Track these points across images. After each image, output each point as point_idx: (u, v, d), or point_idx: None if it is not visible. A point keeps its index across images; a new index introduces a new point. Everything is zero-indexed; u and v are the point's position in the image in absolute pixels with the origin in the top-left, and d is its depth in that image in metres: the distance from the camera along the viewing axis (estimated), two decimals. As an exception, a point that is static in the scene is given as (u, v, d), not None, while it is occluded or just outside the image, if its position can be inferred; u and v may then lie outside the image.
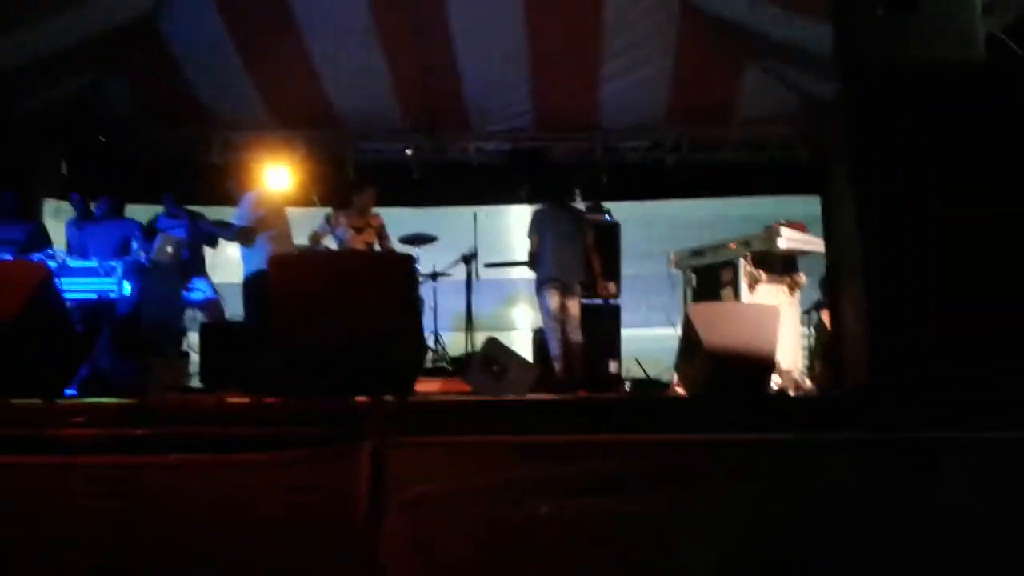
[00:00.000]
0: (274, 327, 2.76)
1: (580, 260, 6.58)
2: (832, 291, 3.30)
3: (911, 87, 2.73)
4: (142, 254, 6.15)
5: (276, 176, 7.84)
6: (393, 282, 2.90)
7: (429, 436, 2.49)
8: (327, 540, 2.38)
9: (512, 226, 8.83)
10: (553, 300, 6.41)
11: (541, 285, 6.50)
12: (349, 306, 2.82)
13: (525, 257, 6.87)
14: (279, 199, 6.65)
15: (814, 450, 2.24)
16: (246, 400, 3.04)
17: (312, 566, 2.37)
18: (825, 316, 4.68)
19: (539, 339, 6.90)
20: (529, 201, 8.54)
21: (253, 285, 6.01)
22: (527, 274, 8.72)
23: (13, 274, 2.81)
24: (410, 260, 3.13)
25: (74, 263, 5.94)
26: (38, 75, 7.43)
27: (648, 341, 7.50)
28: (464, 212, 8.18)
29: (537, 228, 6.63)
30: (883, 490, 2.22)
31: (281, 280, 2.87)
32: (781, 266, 5.61)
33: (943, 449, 2.28)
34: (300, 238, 7.01)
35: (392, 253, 6.17)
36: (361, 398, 2.69)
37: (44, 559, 2.39)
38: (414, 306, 3.00)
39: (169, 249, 6.38)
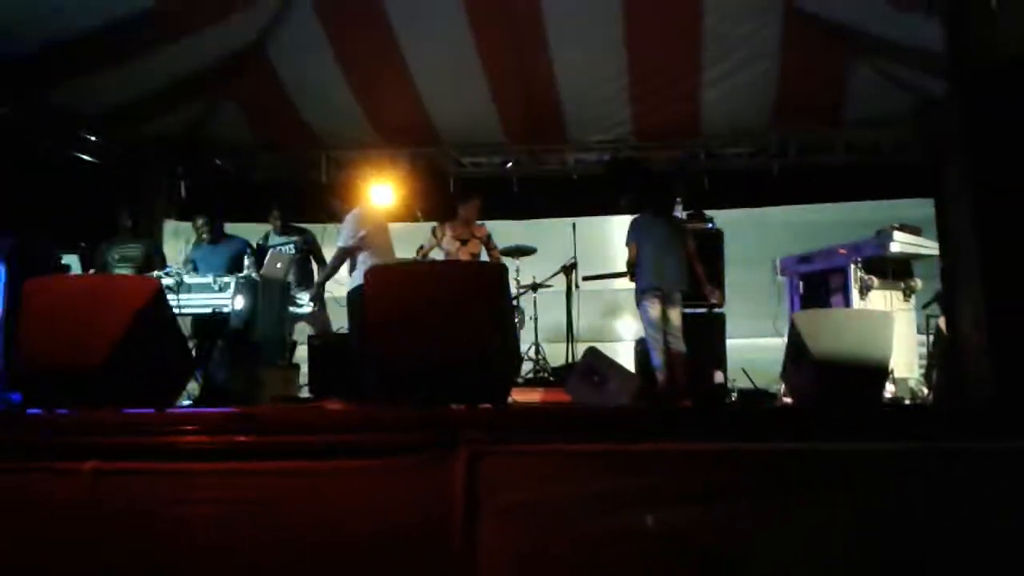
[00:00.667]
0: (370, 338, 2.80)
1: (681, 269, 6.45)
2: (948, 297, 3.14)
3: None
4: (253, 270, 6.36)
5: (379, 193, 8.01)
6: (485, 292, 2.91)
7: (523, 444, 2.48)
8: (425, 544, 2.40)
9: (611, 236, 8.75)
10: (654, 310, 6.30)
11: (642, 295, 6.40)
12: (442, 317, 2.84)
13: (623, 267, 6.78)
14: (381, 216, 6.79)
15: (919, 460, 2.12)
16: (345, 408, 3.11)
17: (411, 570, 2.39)
18: (943, 323, 4.45)
19: (641, 350, 6.80)
20: (629, 211, 8.45)
21: (355, 298, 6.17)
22: (628, 284, 8.62)
23: (126, 289, 2.95)
24: (502, 269, 3.12)
25: (191, 279, 6.21)
26: (159, 102, 7.85)
27: (754, 351, 7.29)
28: (564, 223, 8.16)
29: (635, 237, 6.53)
30: (1000, 502, 2.08)
31: (376, 292, 2.91)
32: (894, 271, 5.37)
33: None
34: (406, 253, 7.16)
35: (483, 263, 6.20)
36: (457, 407, 2.71)
37: (156, 560, 2.49)
38: (507, 315, 2.99)
39: (279, 265, 6.60)
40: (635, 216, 6.72)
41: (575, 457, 2.44)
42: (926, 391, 4.79)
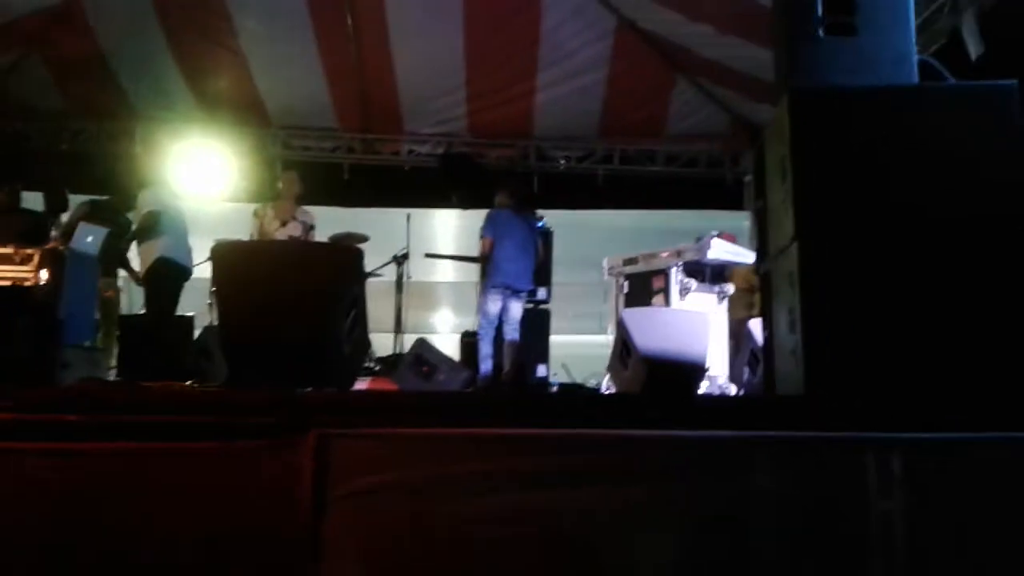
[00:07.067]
0: (220, 317, 2.70)
1: (531, 268, 6.53)
2: (765, 300, 3.41)
3: (849, 108, 2.86)
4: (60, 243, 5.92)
5: (193, 171, 7.71)
6: (338, 275, 2.88)
7: (373, 428, 2.48)
8: (271, 530, 2.35)
9: (443, 230, 8.87)
10: (495, 305, 6.35)
11: (491, 289, 6.40)
12: (293, 298, 2.78)
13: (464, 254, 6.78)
14: (181, 194, 6.61)
15: (755, 448, 2.32)
16: (189, 388, 2.98)
17: (256, 556, 2.33)
18: (753, 325, 4.83)
19: (468, 342, 6.90)
20: (459, 206, 8.55)
21: (152, 278, 6.00)
22: (452, 277, 8.73)
23: None
24: (358, 254, 3.10)
25: (-14, 250, 5.68)
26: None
27: (575, 347, 7.58)
28: (395, 213, 8.13)
29: (492, 232, 6.43)
30: (820, 489, 2.31)
31: (224, 270, 2.81)
32: (711, 275, 5.78)
33: (872, 449, 2.38)
34: (230, 235, 6.92)
35: (340, 246, 6.09)
36: (305, 389, 2.67)
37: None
38: (360, 300, 2.97)
39: (89, 239, 6.18)
40: (494, 210, 6.64)
41: (427, 441, 2.46)
42: (733, 389, 5.18)
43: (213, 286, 2.68)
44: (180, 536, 2.30)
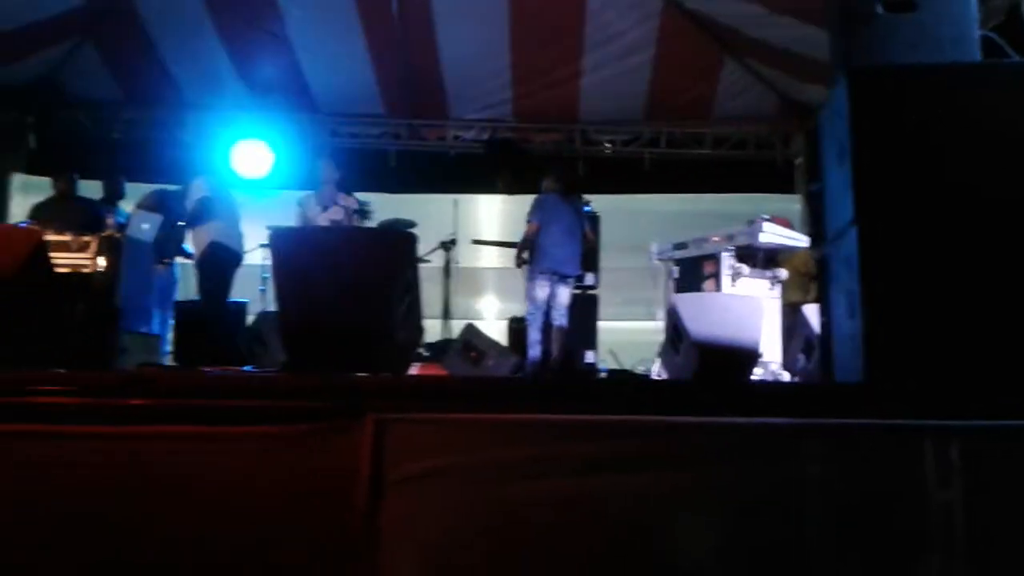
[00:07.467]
0: (277, 302, 2.73)
1: (578, 253, 6.48)
2: (823, 286, 3.34)
3: (911, 88, 2.78)
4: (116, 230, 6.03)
5: (243, 158, 7.78)
6: (393, 261, 2.89)
7: (430, 413, 2.49)
8: (327, 513, 2.37)
9: (490, 215, 8.87)
10: (543, 291, 6.32)
11: (538, 274, 6.36)
12: (349, 284, 2.80)
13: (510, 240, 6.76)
14: (231, 181, 6.68)
15: (810, 435, 2.28)
16: (246, 373, 3.02)
17: (313, 540, 2.36)
18: (807, 311, 4.75)
19: (516, 328, 6.90)
20: (506, 192, 8.54)
21: (206, 262, 6.05)
22: (499, 263, 8.73)
23: (13, 235, 2.75)
24: (412, 239, 3.11)
25: (47, 238, 5.80)
26: (9, 45, 7.27)
27: (624, 333, 7.54)
28: (442, 200, 8.16)
29: (540, 217, 6.38)
30: (877, 475, 2.27)
31: (282, 256, 2.84)
32: (763, 260, 5.69)
33: (930, 437, 2.33)
34: (273, 222, 6.99)
35: (396, 232, 6.10)
36: (361, 375, 2.68)
37: (36, 528, 2.34)
38: (414, 286, 2.98)
39: (144, 226, 6.28)
40: (542, 195, 6.59)
41: (481, 426, 2.47)
42: (787, 375, 5.10)
43: (269, 272, 2.71)
44: (234, 519, 2.32)
